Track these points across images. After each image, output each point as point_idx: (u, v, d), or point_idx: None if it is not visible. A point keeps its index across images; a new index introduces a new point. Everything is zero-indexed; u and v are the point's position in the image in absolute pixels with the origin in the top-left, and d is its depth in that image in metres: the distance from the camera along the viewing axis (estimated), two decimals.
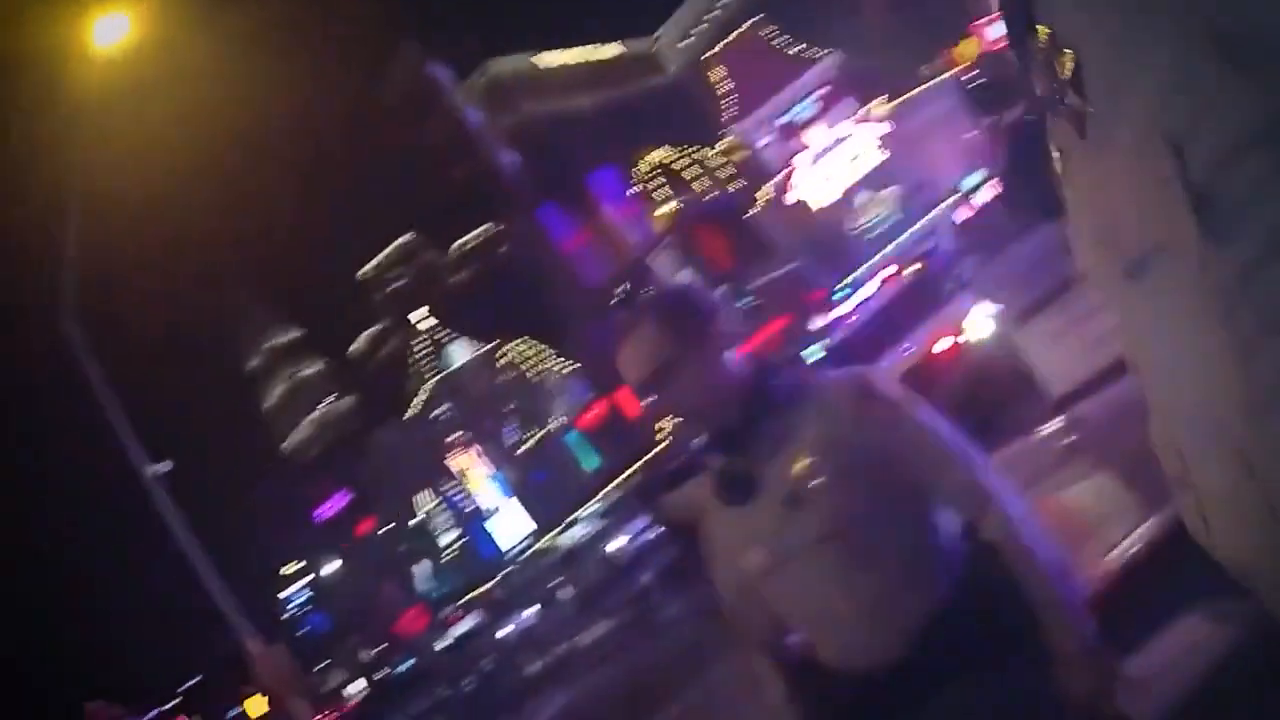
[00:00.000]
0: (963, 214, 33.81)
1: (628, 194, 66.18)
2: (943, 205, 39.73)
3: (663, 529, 43.77)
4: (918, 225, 47.22)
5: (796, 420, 2.62)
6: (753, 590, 2.76)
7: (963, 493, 2.59)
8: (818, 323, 46.46)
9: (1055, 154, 1.33)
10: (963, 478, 2.59)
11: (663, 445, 72.36)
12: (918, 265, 28.55)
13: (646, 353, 2.69)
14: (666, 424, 70.52)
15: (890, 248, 47.56)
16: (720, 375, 2.68)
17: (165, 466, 19.47)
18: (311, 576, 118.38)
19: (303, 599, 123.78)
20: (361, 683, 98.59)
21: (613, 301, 72.28)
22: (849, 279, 40.98)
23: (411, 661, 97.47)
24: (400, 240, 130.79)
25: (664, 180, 66.95)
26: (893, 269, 35.46)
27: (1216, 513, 1.21)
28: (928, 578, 2.62)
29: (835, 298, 44.76)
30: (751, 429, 2.66)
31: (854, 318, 29.31)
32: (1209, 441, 1.18)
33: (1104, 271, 1.31)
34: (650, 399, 2.75)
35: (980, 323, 10.77)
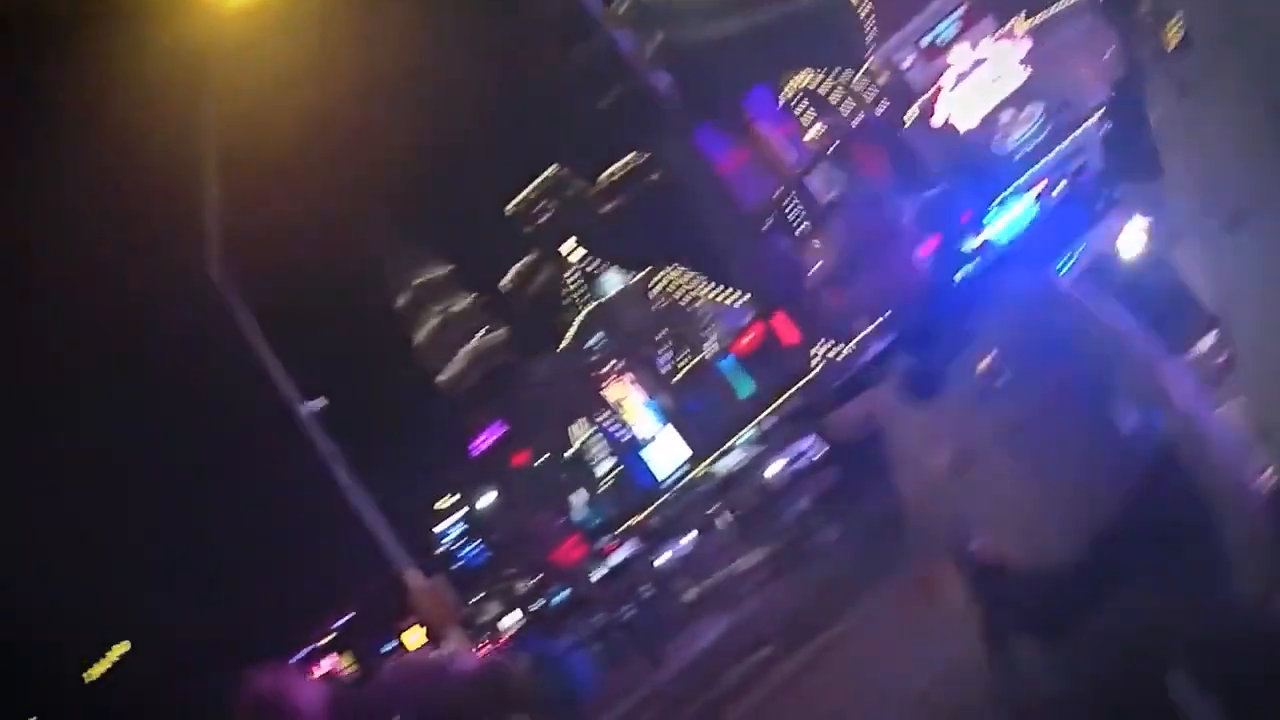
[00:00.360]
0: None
1: (780, 114, 65.35)
2: (1089, 122, 38.47)
3: (823, 451, 43.45)
4: (1065, 143, 46.08)
5: (979, 318, 2.71)
6: (939, 490, 2.84)
7: (1144, 388, 2.62)
8: (969, 243, 45.85)
9: (1154, 113, 1.26)
10: (1144, 374, 2.63)
11: (818, 370, 71.85)
12: (1066, 183, 27.72)
13: (842, 243, 2.84)
14: (821, 349, 70.01)
15: (1038, 166, 46.50)
16: (907, 271, 2.80)
17: (319, 404, 19.69)
18: (467, 509, 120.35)
19: (459, 532, 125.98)
20: (518, 614, 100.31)
21: (767, 225, 71.70)
22: (998, 199, 40.04)
23: (567, 592, 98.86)
24: (547, 172, 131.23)
25: (811, 103, 65.91)
26: (1042, 187, 34.54)
27: None
28: (1111, 472, 2.63)
29: (986, 218, 44.21)
30: (935, 328, 2.75)
31: (1005, 238, 28.77)
32: None
33: (1201, 225, 1.22)
34: (840, 292, 2.88)
35: (1133, 239, 10.58)
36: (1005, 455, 2.66)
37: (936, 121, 52.18)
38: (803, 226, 66.76)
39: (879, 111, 58.42)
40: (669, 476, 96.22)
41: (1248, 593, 2.47)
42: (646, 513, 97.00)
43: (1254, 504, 2.49)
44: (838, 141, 60.69)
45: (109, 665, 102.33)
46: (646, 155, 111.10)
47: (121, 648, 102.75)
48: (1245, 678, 2.56)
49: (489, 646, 46.70)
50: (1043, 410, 2.62)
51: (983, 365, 2.67)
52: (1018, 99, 51.66)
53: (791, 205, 66.07)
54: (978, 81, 51.80)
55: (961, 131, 51.04)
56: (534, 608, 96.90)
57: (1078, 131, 43.68)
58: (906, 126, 54.84)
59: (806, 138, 64.48)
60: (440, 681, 3.55)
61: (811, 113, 65.34)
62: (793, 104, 65.58)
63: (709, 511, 65.31)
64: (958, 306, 2.76)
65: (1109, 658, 2.67)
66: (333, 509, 21.32)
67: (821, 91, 64.73)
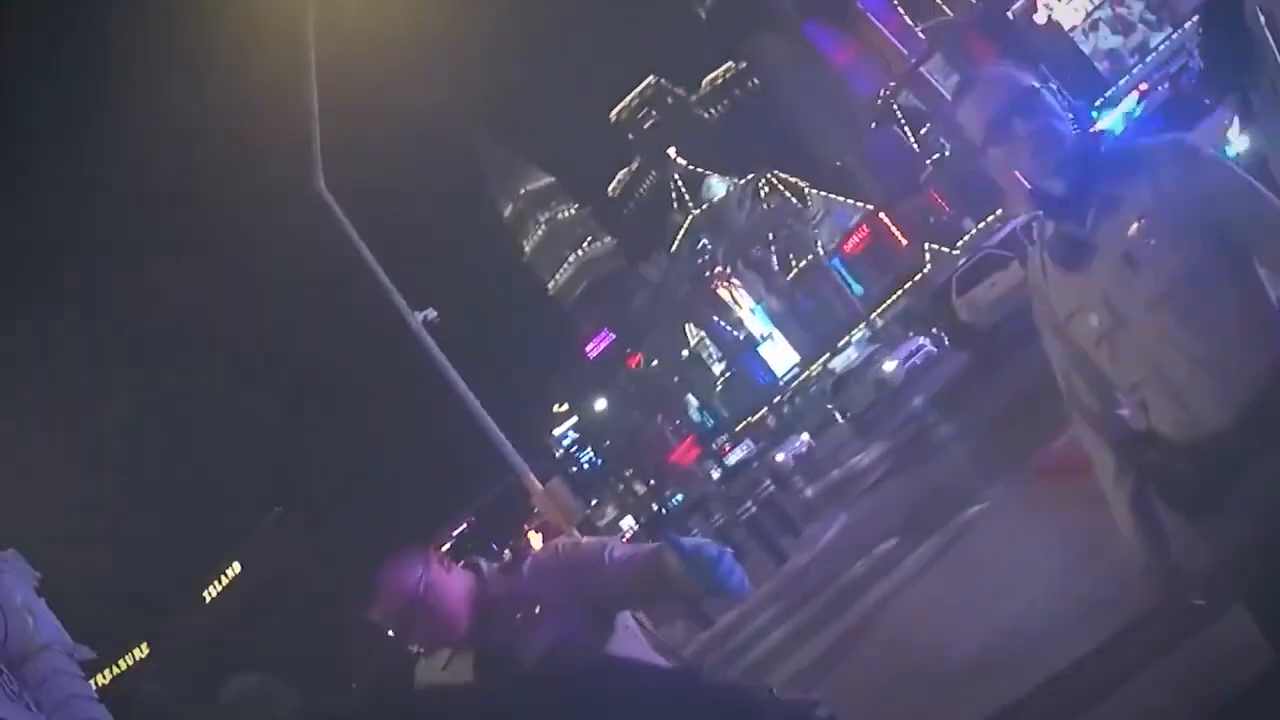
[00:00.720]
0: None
1: (889, 8, 64.11)
2: (1189, 22, 37.19)
3: (941, 343, 42.94)
4: (1164, 43, 44.77)
5: (1127, 184, 2.69)
6: (1086, 358, 2.86)
7: None
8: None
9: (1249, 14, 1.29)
10: None
11: (929, 267, 71.10)
12: (1168, 84, 26.94)
13: (1005, 86, 2.83)
14: (931, 246, 69.17)
15: (1140, 68, 45.31)
16: (1064, 125, 2.79)
17: (431, 314, 19.83)
18: (583, 414, 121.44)
19: (575, 436, 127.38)
20: (632, 518, 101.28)
21: (874, 124, 70.71)
22: (1101, 99, 39.15)
23: (682, 494, 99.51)
24: (649, 79, 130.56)
25: None
26: (1144, 88, 33.72)
27: None
28: (1260, 341, 2.61)
29: (1092, 115, 43.50)
30: (1083, 194, 2.73)
31: (1107, 136, 28.17)
32: None
33: None
34: (998, 136, 2.80)
35: (1234, 139, 10.33)
36: (1153, 322, 2.66)
37: (1040, 19, 50.93)
38: (915, 121, 65.76)
39: (984, 6, 57.14)
40: (783, 376, 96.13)
41: None
42: (761, 412, 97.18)
43: None
44: (949, 34, 59.52)
45: (222, 585, 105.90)
46: (745, 62, 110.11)
47: (233, 567, 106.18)
48: None
49: None
50: (1192, 276, 2.62)
51: (1131, 231, 2.67)
52: None
53: (903, 100, 65.08)
54: None
55: (1065, 28, 49.75)
56: (651, 510, 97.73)
57: (1177, 32, 42.43)
58: (1012, 22, 53.62)
59: (918, 31, 63.27)
60: (590, 566, 3.52)
61: (921, 5, 64.20)
62: None
63: (824, 410, 65.26)
64: (1105, 172, 2.75)
65: (1258, 527, 2.66)
66: (450, 417, 21.55)
67: None
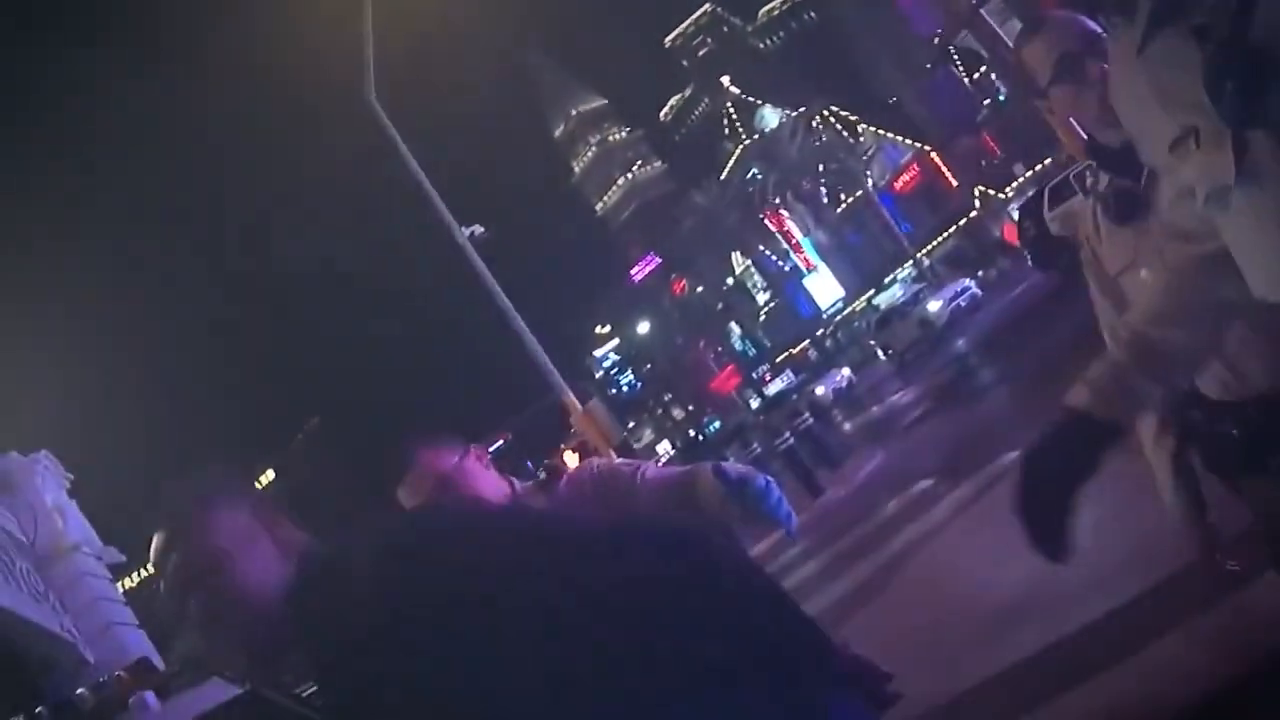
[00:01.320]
0: None
1: None
2: None
3: (985, 286, 42.54)
4: None
5: None
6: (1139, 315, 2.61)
7: None
8: None
9: None
10: None
11: (978, 210, 70.47)
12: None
13: (1073, 31, 2.77)
14: (981, 189, 68.50)
15: None
16: (1125, 77, 2.47)
17: (478, 230, 19.86)
18: (625, 336, 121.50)
19: (616, 359, 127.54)
20: (669, 443, 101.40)
21: (930, 63, 69.88)
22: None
23: (720, 422, 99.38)
24: (705, 7, 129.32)
25: None
26: None
27: None
28: None
29: None
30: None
31: None
32: None
33: None
34: (1061, 86, 2.76)
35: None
36: (1207, 280, 2.48)
37: None
38: (971, 63, 64.92)
39: None
40: (828, 309, 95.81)
41: None
42: (805, 344, 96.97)
43: None
44: None
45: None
46: None
47: (266, 474, 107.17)
48: None
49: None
50: None
51: None
52: None
53: (961, 41, 64.27)
54: None
55: None
56: (690, 434, 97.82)
57: None
58: None
59: None
60: (622, 485, 3.52)
61: None
62: None
63: (868, 345, 65.05)
64: None
65: None
66: (493, 333, 21.62)
67: None
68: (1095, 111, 2.72)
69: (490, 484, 3.48)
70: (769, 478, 3.37)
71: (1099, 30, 2.78)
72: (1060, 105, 2.81)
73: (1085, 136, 2.79)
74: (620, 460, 3.70)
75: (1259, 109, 1.52)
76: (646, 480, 3.53)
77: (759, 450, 26.77)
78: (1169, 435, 2.85)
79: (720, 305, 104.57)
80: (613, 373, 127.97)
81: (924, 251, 76.62)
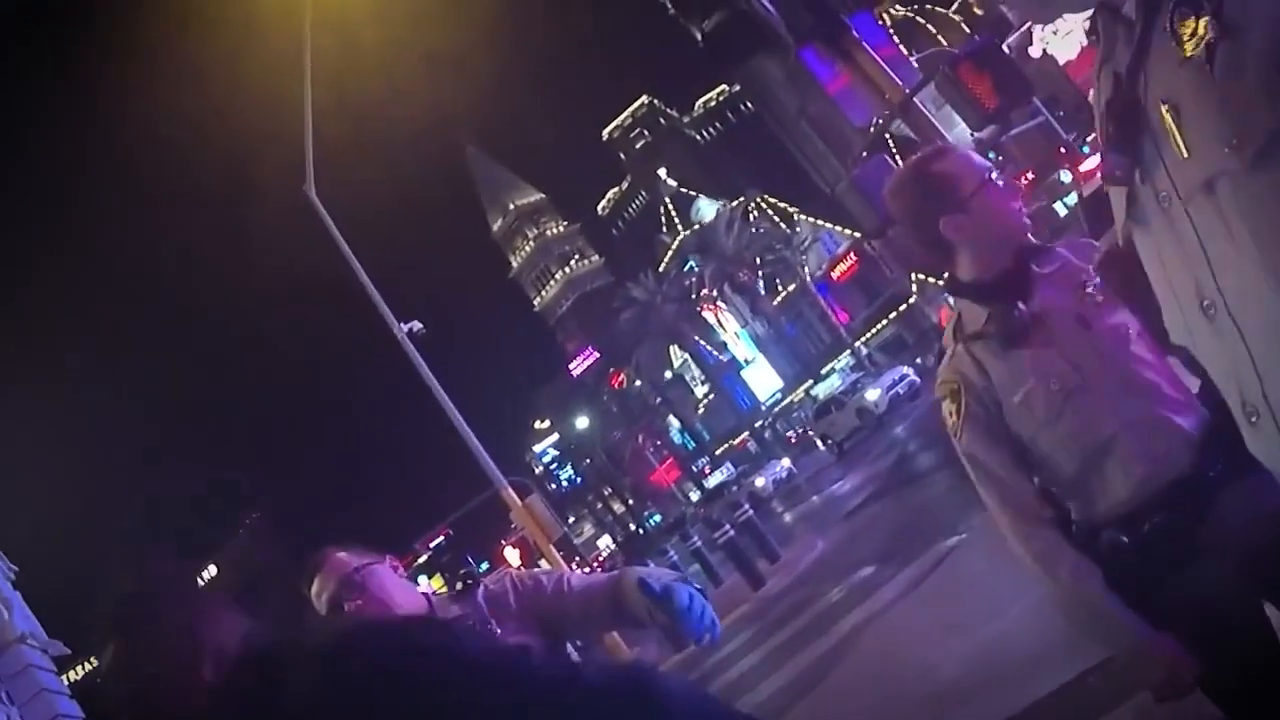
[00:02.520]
0: None
1: (885, 38, 64.39)
2: None
3: (923, 373, 42.90)
4: None
5: (1059, 264, 2.86)
6: (1023, 453, 2.89)
7: None
8: (1066, 177, 45.48)
9: None
10: None
11: (916, 296, 71.22)
12: None
13: (962, 170, 2.91)
14: (919, 275, 69.30)
15: None
16: (1017, 206, 2.93)
17: (416, 325, 19.81)
18: (564, 431, 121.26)
19: (555, 453, 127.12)
20: (609, 537, 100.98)
21: (865, 151, 70.90)
22: (1093, 134, 39.57)
23: (661, 515, 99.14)
24: (642, 99, 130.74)
25: (914, 28, 65.01)
26: None
27: None
28: (1213, 398, 2.42)
29: (1084, 150, 43.80)
30: (1022, 272, 2.86)
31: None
32: None
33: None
34: (955, 221, 2.88)
35: None
36: (1117, 373, 2.76)
37: (1035, 52, 51.13)
38: (906, 150, 65.92)
39: (979, 38, 57.35)
40: (767, 400, 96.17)
41: None
42: (743, 436, 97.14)
43: None
44: (943, 66, 59.69)
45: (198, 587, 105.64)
46: (739, 86, 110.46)
47: (209, 569, 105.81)
48: None
49: (585, 567, 47.26)
50: (1141, 338, 2.73)
51: (1077, 295, 2.80)
52: None
53: (895, 129, 65.31)
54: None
55: (1060, 63, 49.95)
56: (630, 528, 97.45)
57: None
58: (1007, 54, 53.82)
59: (912, 61, 63.50)
60: (547, 594, 3.53)
61: (915, 37, 64.51)
62: (896, 28, 64.74)
63: (806, 435, 65.23)
64: (1044, 251, 2.91)
65: (1208, 580, 2.72)
66: (431, 429, 21.50)
67: (920, 19, 63.89)
68: (978, 257, 2.93)
69: (401, 592, 3.47)
70: (694, 589, 3.37)
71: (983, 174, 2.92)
72: (951, 237, 2.93)
73: (968, 277, 2.96)
74: (541, 570, 3.70)
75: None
76: (572, 589, 3.53)
77: (699, 543, 26.67)
78: (1094, 569, 2.82)
79: (659, 398, 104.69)
80: (552, 467, 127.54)
81: (862, 340, 77.23)
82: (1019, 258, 2.89)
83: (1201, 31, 1.42)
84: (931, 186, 2.97)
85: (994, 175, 2.93)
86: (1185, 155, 1.50)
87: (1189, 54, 1.44)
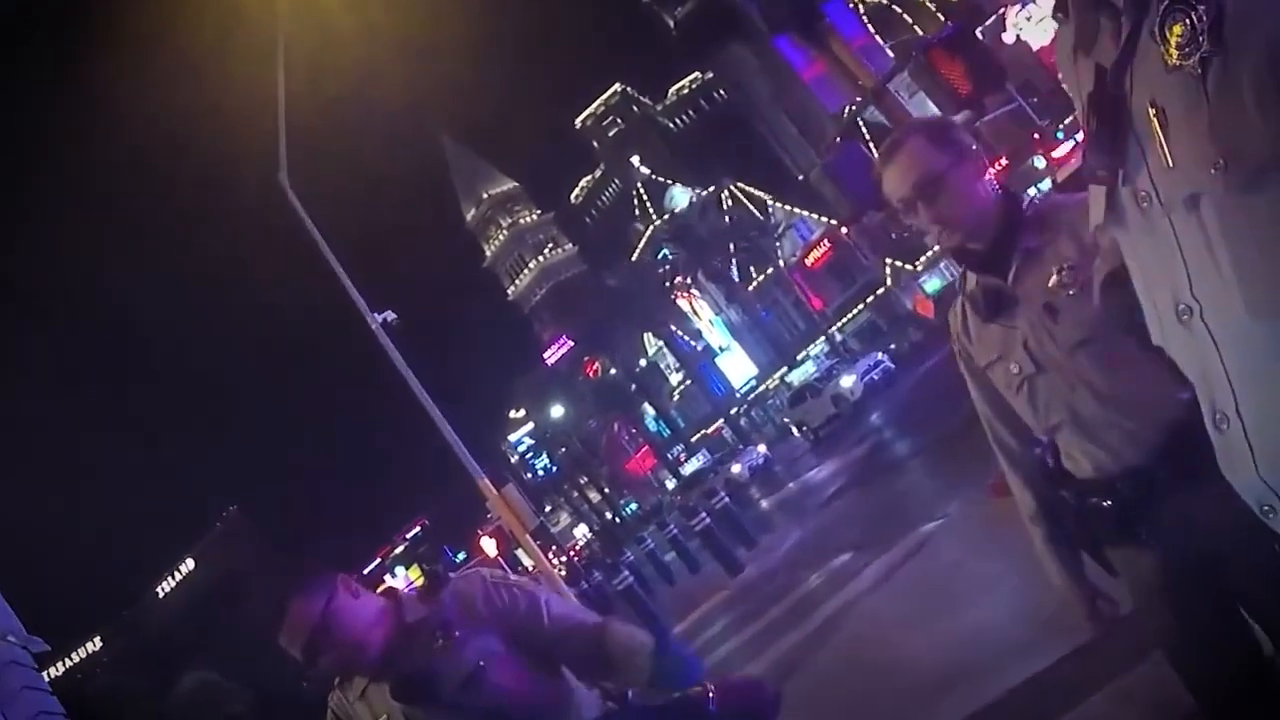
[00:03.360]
0: None
1: (859, 25, 64.34)
2: None
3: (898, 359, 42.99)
4: None
5: (1048, 238, 2.88)
6: (1005, 402, 3.04)
7: None
8: (1040, 162, 45.66)
9: None
10: None
11: (890, 283, 71.34)
12: None
13: (922, 159, 2.95)
14: (892, 262, 69.39)
15: None
16: (983, 191, 2.95)
17: (390, 316, 19.71)
18: (539, 420, 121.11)
19: (530, 443, 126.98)
20: (586, 526, 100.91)
21: (839, 138, 70.93)
22: (1069, 118, 39.67)
23: (637, 503, 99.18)
24: (615, 87, 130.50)
25: (888, 14, 64.99)
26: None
27: None
28: (1171, 382, 2.50)
29: (1058, 136, 43.95)
30: (1005, 248, 2.92)
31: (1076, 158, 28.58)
32: None
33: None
34: (919, 206, 2.96)
35: None
36: (1070, 367, 2.83)
37: (1008, 38, 51.20)
38: (880, 137, 66.01)
39: (953, 25, 57.35)
40: (741, 387, 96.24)
41: None
42: (719, 423, 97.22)
43: None
44: (916, 52, 59.70)
45: (176, 581, 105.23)
46: (712, 73, 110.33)
47: (186, 564, 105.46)
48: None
49: (562, 557, 47.15)
50: (1109, 325, 2.74)
51: (1051, 282, 2.83)
52: None
53: (868, 116, 65.37)
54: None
55: (1034, 48, 50.03)
56: (605, 517, 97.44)
57: None
58: (980, 40, 53.85)
59: (886, 48, 63.56)
60: (523, 617, 3.52)
61: (890, 24, 64.53)
62: (870, 15, 64.72)
63: (781, 422, 65.32)
64: (1026, 227, 2.93)
65: (1170, 561, 2.83)
66: (406, 420, 21.43)
67: (897, 6, 63.91)
68: (949, 236, 2.99)
69: (366, 616, 3.41)
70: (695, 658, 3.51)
71: (946, 161, 2.97)
72: (918, 224, 3.03)
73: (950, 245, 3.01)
74: (516, 582, 3.64)
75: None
76: (553, 618, 3.49)
77: (676, 531, 26.69)
78: (1043, 513, 3.09)
79: (634, 386, 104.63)
80: (528, 456, 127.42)
81: (836, 326, 77.36)
82: (1005, 228, 2.95)
83: (1188, 39, 1.40)
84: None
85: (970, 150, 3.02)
86: (1170, 164, 1.48)
87: (1176, 62, 1.41)
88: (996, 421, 3.15)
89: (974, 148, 3.00)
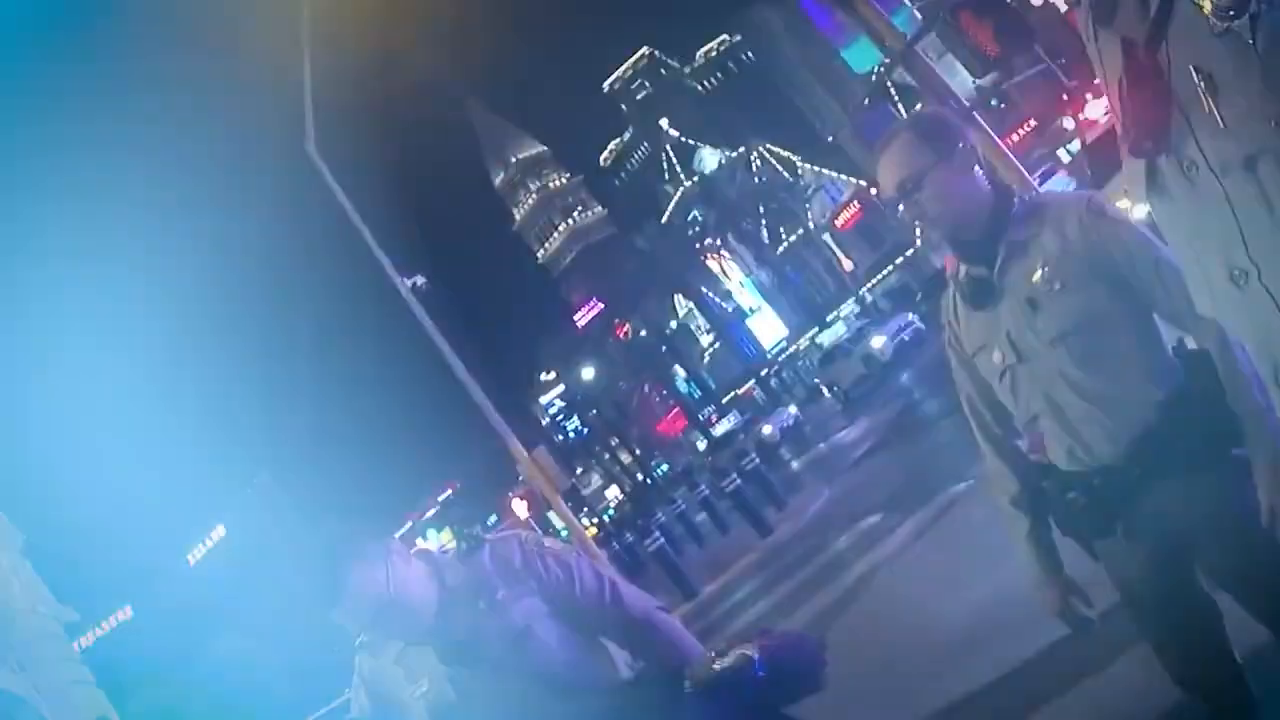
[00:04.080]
0: None
1: None
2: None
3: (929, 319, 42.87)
4: None
5: (1035, 233, 2.94)
6: (990, 390, 3.13)
7: (1180, 306, 2.69)
8: (1069, 123, 45.12)
9: None
10: (1181, 292, 2.59)
11: (920, 243, 71.02)
12: None
13: (905, 159, 3.01)
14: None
15: None
16: (969, 187, 3.00)
17: (420, 280, 19.77)
18: (569, 382, 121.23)
19: (561, 405, 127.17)
20: (617, 488, 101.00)
21: (867, 99, 70.49)
22: (1097, 80, 39.30)
23: (668, 464, 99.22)
24: (643, 50, 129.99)
25: None
26: None
27: None
28: (1147, 383, 2.85)
29: (1087, 98, 43.45)
30: (993, 240, 2.98)
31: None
32: None
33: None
34: (903, 204, 3.02)
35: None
36: (1050, 360, 2.91)
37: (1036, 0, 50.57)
38: (907, 98, 65.60)
39: None
40: (771, 348, 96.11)
41: (1268, 501, 2.60)
42: (749, 384, 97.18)
43: (1274, 421, 2.58)
44: (944, 13, 59.16)
45: (207, 548, 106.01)
46: (740, 35, 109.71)
47: (218, 530, 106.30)
48: (1259, 580, 2.81)
49: (594, 519, 47.25)
50: (1089, 320, 2.86)
51: (1035, 276, 2.91)
52: None
53: (896, 77, 64.88)
54: None
55: (1062, 10, 49.40)
56: (636, 479, 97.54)
57: None
58: (1009, 2, 53.23)
59: (914, 8, 62.96)
60: (579, 596, 3.47)
61: None
62: None
63: (811, 383, 65.21)
64: (1015, 221, 2.99)
65: (1144, 554, 2.94)
66: (437, 383, 21.51)
67: None
68: (940, 228, 3.06)
69: (420, 580, 3.38)
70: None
71: (936, 156, 3.01)
72: (910, 213, 3.08)
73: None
74: (550, 544, 3.58)
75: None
76: (620, 602, 3.46)
77: (706, 492, 26.72)
78: (1024, 500, 3.16)
79: (664, 348, 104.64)
80: (559, 419, 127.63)
81: (867, 287, 77.11)
82: (994, 221, 3.00)
83: (1235, 1, 1.40)
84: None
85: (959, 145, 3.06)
86: (1223, 126, 1.48)
87: (1223, 25, 1.42)
88: (981, 407, 3.21)
89: (963, 144, 3.03)
